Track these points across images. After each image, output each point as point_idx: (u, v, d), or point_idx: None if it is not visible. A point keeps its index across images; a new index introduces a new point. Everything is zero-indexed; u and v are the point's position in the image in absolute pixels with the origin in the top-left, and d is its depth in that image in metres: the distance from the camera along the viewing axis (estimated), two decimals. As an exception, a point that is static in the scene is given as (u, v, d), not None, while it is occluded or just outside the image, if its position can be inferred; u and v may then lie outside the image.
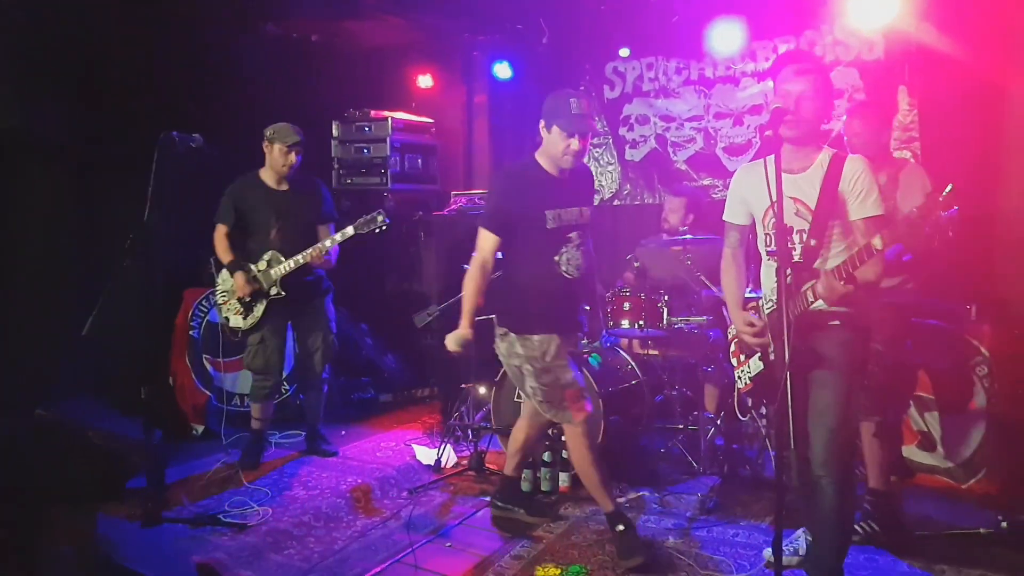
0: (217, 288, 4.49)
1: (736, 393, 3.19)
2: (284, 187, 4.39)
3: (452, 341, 3.28)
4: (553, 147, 3.17)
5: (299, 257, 4.27)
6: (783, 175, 2.65)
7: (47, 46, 4.52)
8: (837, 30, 5.04)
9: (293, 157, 4.31)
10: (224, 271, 4.42)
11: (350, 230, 4.24)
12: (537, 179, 3.23)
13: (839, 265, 2.54)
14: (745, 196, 2.88)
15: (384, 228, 4.23)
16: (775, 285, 2.69)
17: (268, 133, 4.32)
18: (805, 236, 2.67)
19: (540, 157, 3.25)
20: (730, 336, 3.11)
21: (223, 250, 4.37)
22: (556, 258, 3.22)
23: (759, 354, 2.91)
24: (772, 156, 2.40)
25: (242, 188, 4.38)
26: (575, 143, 3.13)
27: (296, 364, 4.89)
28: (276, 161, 4.32)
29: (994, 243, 4.18)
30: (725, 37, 5.14)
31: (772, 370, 2.86)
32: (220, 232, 4.38)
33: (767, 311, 2.87)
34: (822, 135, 2.89)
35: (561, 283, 3.25)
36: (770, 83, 5.21)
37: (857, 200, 2.61)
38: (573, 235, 3.25)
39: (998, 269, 4.25)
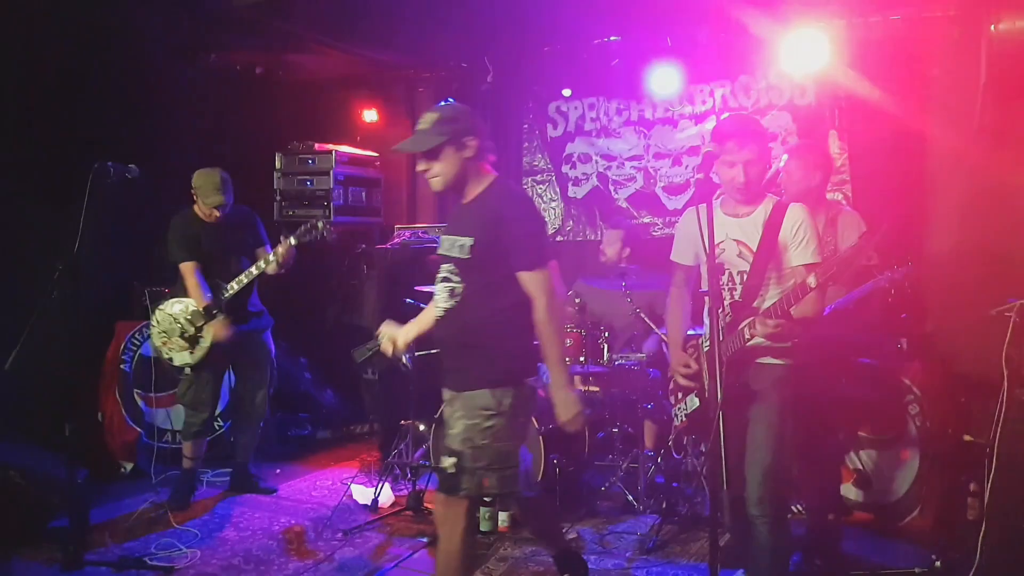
0: (153, 328, 4.32)
1: (673, 430, 3.20)
2: (217, 221, 4.32)
3: None
4: None
5: (242, 277, 4.19)
6: (728, 218, 2.80)
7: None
8: (771, 75, 5.23)
9: (218, 212, 4.21)
10: (160, 312, 4.28)
11: (292, 240, 4.12)
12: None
13: (774, 303, 2.61)
14: (691, 237, 2.96)
15: (326, 233, 4.07)
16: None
17: (193, 182, 4.22)
18: (746, 276, 2.75)
19: None
20: (671, 373, 3.15)
21: (197, 291, 4.20)
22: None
23: (696, 392, 2.95)
24: (714, 200, 2.49)
25: (182, 226, 4.30)
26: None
27: (233, 400, 4.75)
28: (203, 211, 4.27)
29: (921, 280, 4.33)
30: (663, 80, 5.28)
31: (708, 407, 2.90)
32: (189, 269, 4.22)
33: (706, 348, 2.92)
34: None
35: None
36: (708, 125, 5.39)
37: (798, 248, 2.71)
38: (443, 268, 2.79)
39: (926, 306, 4.39)
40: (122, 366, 4.97)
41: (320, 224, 4.10)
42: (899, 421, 3.95)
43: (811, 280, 2.52)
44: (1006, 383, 3.04)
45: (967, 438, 3.61)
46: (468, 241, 2.69)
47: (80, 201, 3.43)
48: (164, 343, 4.29)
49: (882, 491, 3.97)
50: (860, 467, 4.04)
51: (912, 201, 4.58)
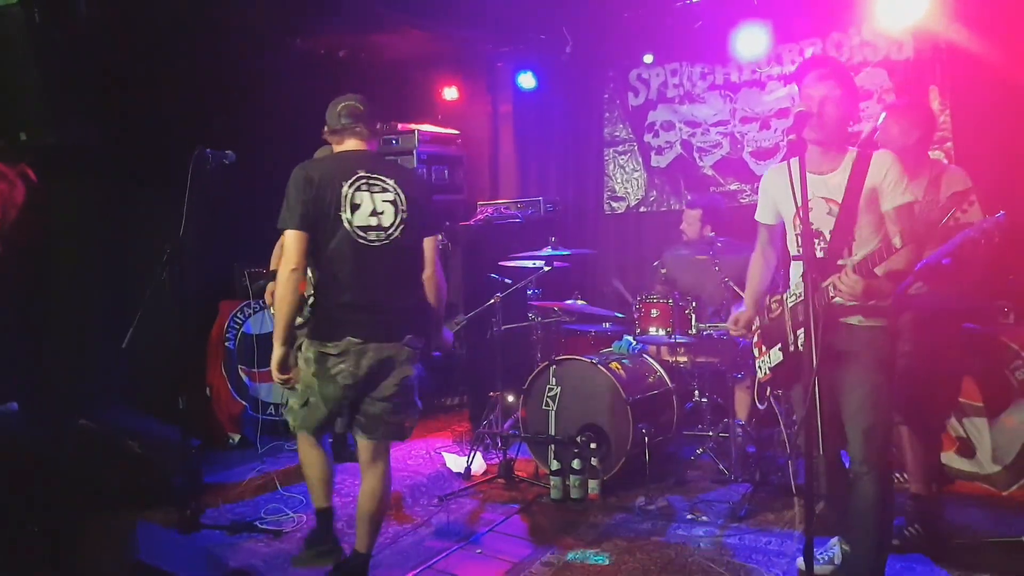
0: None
1: (756, 383, 3.15)
2: None
3: None
4: None
5: None
6: (814, 176, 2.68)
7: (82, 64, 4.66)
8: (864, 31, 5.01)
9: None
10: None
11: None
12: None
13: (860, 261, 2.53)
14: (774, 198, 2.92)
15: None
16: (799, 279, 2.72)
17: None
18: (831, 233, 2.67)
19: None
20: (753, 328, 3.10)
21: (277, 259, 4.41)
22: None
23: (779, 345, 2.90)
24: (796, 159, 2.40)
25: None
26: None
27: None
28: None
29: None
30: (750, 41, 5.12)
31: (791, 360, 2.83)
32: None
33: (791, 304, 2.86)
34: (849, 136, 2.89)
35: None
36: (796, 87, 5.20)
37: (890, 190, 2.61)
38: None
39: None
40: (226, 343, 5.24)
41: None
42: (1004, 387, 3.79)
43: (896, 241, 2.43)
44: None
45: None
46: None
47: (182, 187, 3.61)
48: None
49: (987, 459, 3.83)
50: (964, 435, 3.89)
51: (1020, 158, 4.31)
